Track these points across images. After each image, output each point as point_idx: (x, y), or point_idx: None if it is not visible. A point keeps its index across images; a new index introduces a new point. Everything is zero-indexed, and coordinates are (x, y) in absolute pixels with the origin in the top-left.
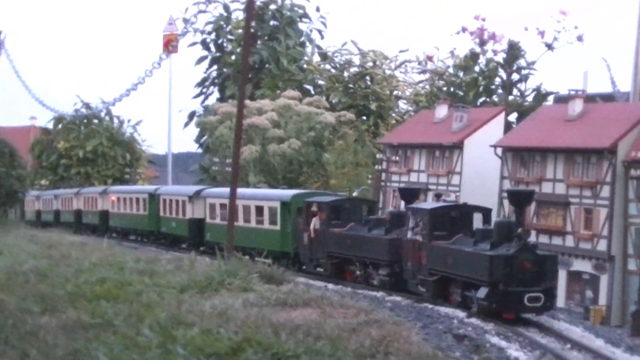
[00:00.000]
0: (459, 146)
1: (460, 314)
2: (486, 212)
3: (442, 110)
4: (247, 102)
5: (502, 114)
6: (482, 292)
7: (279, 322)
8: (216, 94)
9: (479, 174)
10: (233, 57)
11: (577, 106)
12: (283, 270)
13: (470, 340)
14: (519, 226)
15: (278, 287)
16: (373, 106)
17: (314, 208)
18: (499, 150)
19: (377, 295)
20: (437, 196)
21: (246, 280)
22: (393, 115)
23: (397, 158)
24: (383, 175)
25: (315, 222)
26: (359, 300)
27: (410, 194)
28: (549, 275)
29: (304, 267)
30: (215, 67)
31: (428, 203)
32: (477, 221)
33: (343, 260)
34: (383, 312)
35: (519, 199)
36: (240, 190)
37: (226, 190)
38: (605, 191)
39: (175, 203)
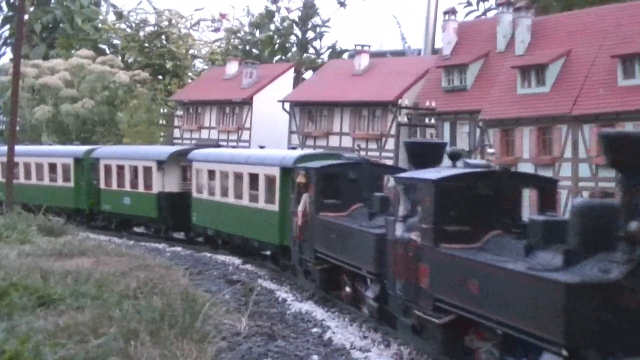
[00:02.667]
0: (248, 102)
1: (237, 260)
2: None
3: (232, 67)
4: (40, 61)
5: (292, 70)
6: None
7: (51, 270)
8: (9, 54)
9: (269, 129)
10: (26, 17)
11: (363, 61)
12: (63, 223)
13: (243, 284)
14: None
15: (56, 239)
16: (169, 65)
17: (303, 178)
18: (287, 105)
19: (158, 247)
20: (454, 157)
21: (24, 233)
22: (189, 74)
23: (182, 113)
24: (176, 132)
25: (305, 201)
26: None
27: (427, 150)
28: None
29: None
30: (7, 26)
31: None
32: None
33: (335, 268)
34: (157, 259)
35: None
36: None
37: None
38: (390, 143)
39: None
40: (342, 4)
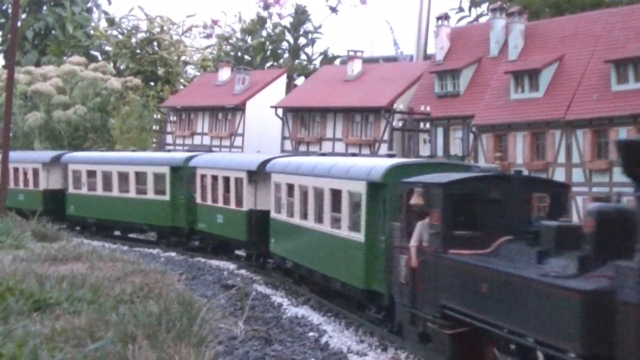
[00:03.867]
0: (241, 108)
1: (231, 265)
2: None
3: (224, 73)
4: (32, 68)
5: (284, 76)
6: None
7: (46, 274)
8: (1, 61)
9: (261, 135)
10: (18, 24)
11: (355, 66)
12: (57, 229)
13: (238, 289)
14: None
15: (51, 245)
16: (161, 72)
17: (419, 199)
18: (280, 111)
19: (152, 252)
20: None
21: (18, 238)
22: (181, 80)
23: (175, 118)
24: (169, 139)
25: (421, 231)
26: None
27: None
28: None
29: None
30: None
31: None
32: None
33: (475, 332)
34: (151, 264)
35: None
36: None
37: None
38: (383, 149)
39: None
40: (334, 10)
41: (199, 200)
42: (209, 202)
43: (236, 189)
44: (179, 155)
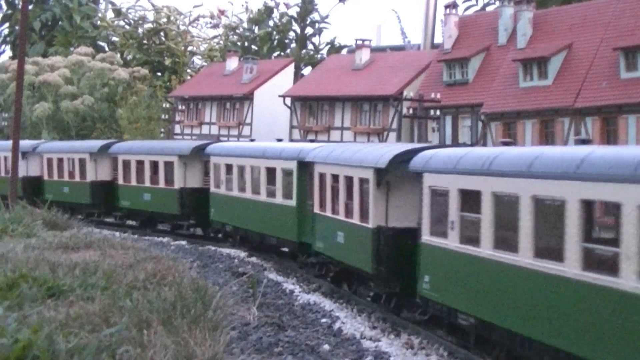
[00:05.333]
0: (249, 97)
1: (242, 253)
2: None
3: (232, 63)
4: (39, 59)
5: (292, 65)
6: None
7: (58, 262)
8: (9, 52)
9: (269, 125)
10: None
11: (363, 55)
12: (67, 218)
13: (250, 276)
14: None
15: (62, 233)
16: (168, 62)
17: None
18: (288, 100)
19: (162, 240)
20: None
21: (30, 227)
22: (188, 71)
23: (183, 107)
24: (177, 129)
25: None
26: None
27: None
28: None
29: None
30: (7, 24)
31: None
32: None
33: None
34: (163, 252)
35: None
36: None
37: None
38: (392, 138)
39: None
40: (341, 0)
41: (317, 209)
42: (328, 212)
43: (361, 194)
44: (303, 146)
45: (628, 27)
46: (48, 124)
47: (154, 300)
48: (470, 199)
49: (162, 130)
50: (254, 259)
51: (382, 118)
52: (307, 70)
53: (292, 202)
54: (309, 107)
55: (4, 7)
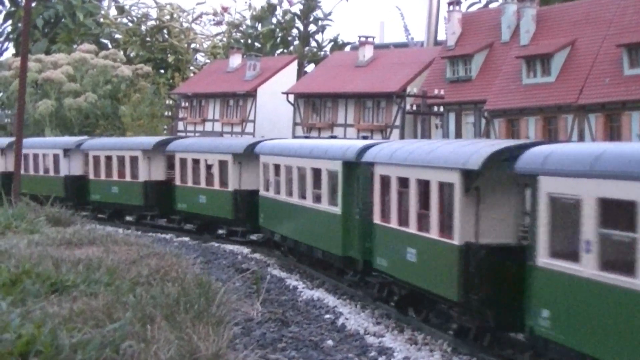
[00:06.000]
0: (252, 94)
1: (245, 250)
2: None
3: (235, 60)
4: (42, 56)
5: (295, 62)
6: None
7: (61, 258)
8: (12, 49)
9: (272, 122)
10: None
11: (367, 52)
12: (71, 214)
13: (253, 272)
14: None
15: (65, 229)
16: (171, 59)
17: None
18: (291, 97)
19: (165, 237)
20: None
21: (33, 223)
22: (191, 68)
23: (186, 104)
24: (180, 126)
25: None
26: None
27: None
28: None
29: None
30: (10, 22)
31: None
32: None
33: None
34: (166, 248)
35: None
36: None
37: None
38: (395, 134)
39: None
40: None
41: (377, 218)
42: (394, 223)
43: (441, 203)
44: (351, 143)
45: (631, 24)
46: (51, 121)
47: (158, 295)
48: (618, 212)
49: (165, 127)
50: (257, 255)
51: (385, 115)
52: (310, 68)
53: (338, 210)
54: (312, 104)
55: (7, 4)
